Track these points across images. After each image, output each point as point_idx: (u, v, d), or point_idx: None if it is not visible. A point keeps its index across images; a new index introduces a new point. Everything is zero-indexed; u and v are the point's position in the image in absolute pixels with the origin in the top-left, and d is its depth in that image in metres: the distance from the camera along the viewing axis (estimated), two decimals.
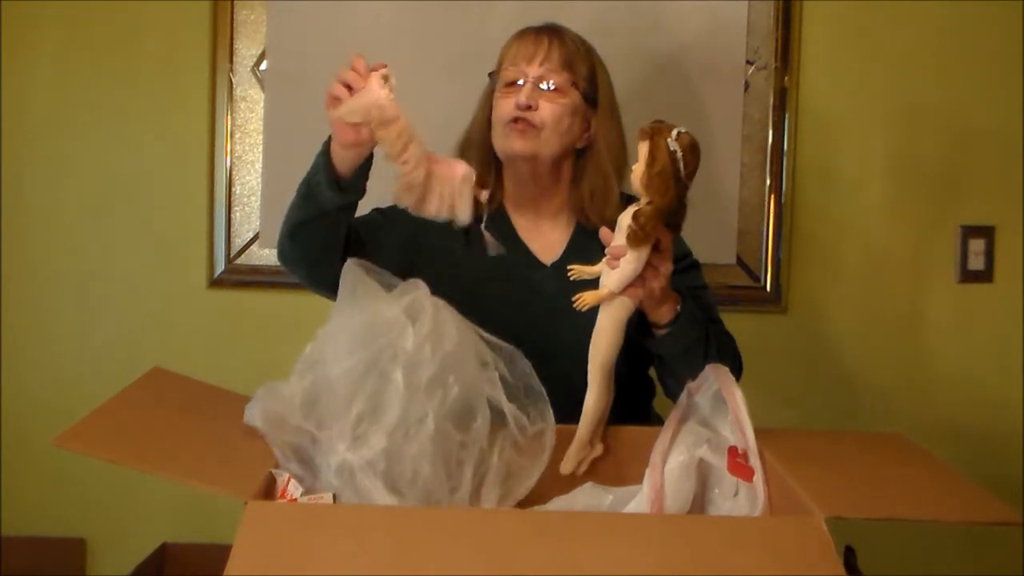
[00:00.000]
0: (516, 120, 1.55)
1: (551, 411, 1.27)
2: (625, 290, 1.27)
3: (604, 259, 1.30)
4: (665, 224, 1.26)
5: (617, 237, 1.28)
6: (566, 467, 1.30)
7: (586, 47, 1.62)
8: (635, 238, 1.23)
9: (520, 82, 1.56)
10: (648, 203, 1.23)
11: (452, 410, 1.16)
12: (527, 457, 1.24)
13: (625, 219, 1.26)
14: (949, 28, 2.28)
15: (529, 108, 1.54)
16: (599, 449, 1.32)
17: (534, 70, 1.56)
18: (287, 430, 1.18)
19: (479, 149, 1.63)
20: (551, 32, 1.60)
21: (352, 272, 1.24)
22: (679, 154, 1.22)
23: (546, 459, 1.25)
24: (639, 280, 1.28)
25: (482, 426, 1.19)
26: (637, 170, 1.24)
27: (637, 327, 1.41)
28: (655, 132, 1.23)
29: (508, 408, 1.21)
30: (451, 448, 1.17)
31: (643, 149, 1.24)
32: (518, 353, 1.25)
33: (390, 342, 1.15)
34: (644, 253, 1.25)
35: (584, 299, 1.27)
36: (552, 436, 1.26)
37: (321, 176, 1.43)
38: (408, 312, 1.18)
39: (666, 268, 1.30)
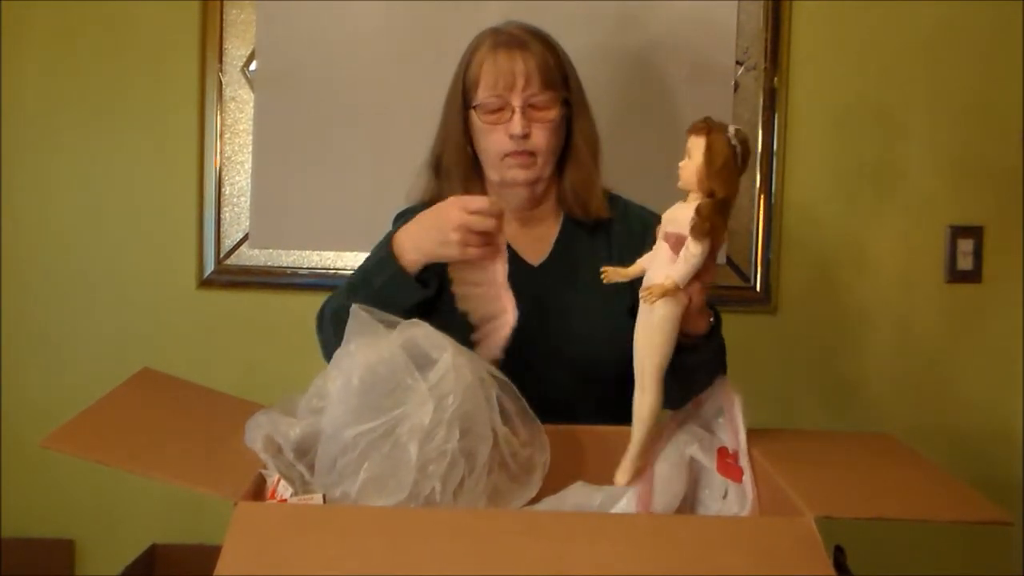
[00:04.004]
0: (515, 153, 1.54)
1: (546, 437, 1.25)
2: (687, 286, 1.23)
3: (641, 260, 1.26)
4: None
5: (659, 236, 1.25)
6: (621, 479, 1.26)
7: (552, 48, 1.59)
8: (700, 230, 1.19)
9: (505, 110, 1.53)
10: (709, 196, 1.20)
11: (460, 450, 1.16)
12: (516, 482, 1.22)
13: (679, 212, 1.22)
14: (937, 29, 2.28)
15: (525, 137, 1.53)
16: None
17: (517, 97, 1.53)
18: (283, 462, 1.18)
19: (459, 171, 1.61)
20: (520, 47, 1.55)
21: (357, 316, 1.23)
22: (738, 148, 1.20)
23: (536, 485, 1.23)
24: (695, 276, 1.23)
25: (482, 468, 1.18)
26: (689, 166, 1.21)
27: None
28: (711, 128, 1.20)
29: (501, 431, 1.20)
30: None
31: (697, 144, 1.20)
32: (511, 385, 1.23)
33: (406, 414, 1.13)
34: (707, 246, 1.21)
35: (652, 292, 1.21)
36: (546, 464, 1.24)
37: (396, 281, 1.39)
38: (418, 363, 1.17)
39: (715, 269, 1.26)
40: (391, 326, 1.22)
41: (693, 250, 1.21)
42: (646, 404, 1.25)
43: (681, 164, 1.22)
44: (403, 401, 1.14)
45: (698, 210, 1.19)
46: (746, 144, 1.21)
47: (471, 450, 1.16)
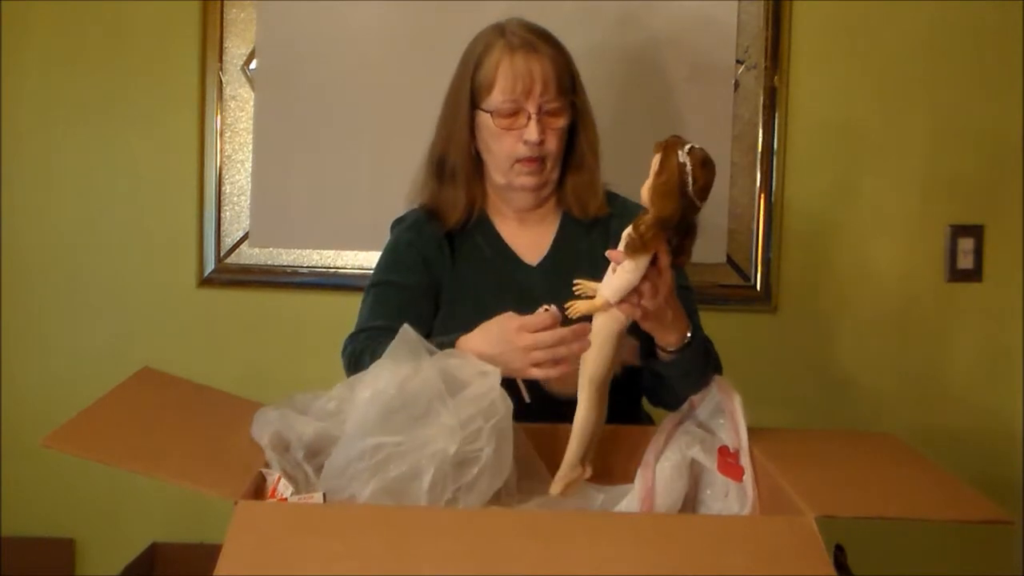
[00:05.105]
0: (527, 159, 1.54)
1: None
2: (620, 303, 1.22)
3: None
4: (668, 239, 1.21)
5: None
6: (555, 489, 1.25)
7: (561, 50, 1.58)
8: (632, 246, 1.19)
9: (519, 115, 1.53)
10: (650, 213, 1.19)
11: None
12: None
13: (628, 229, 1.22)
14: (938, 27, 2.28)
15: (540, 144, 1.53)
16: (588, 472, 1.27)
17: (533, 102, 1.52)
18: (289, 460, 1.18)
19: (464, 173, 1.61)
20: (535, 50, 1.54)
21: (405, 337, 1.22)
22: (688, 167, 1.17)
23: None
24: (635, 295, 1.22)
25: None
26: (646, 183, 1.20)
27: (641, 344, 1.40)
28: (668, 145, 1.19)
29: (512, 477, 1.21)
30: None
31: (654, 161, 1.19)
32: (521, 433, 1.24)
33: (431, 438, 1.13)
34: (642, 264, 1.20)
35: (576, 307, 1.23)
36: None
37: None
38: (453, 389, 1.17)
39: (664, 288, 1.24)
40: (433, 353, 1.22)
41: (625, 266, 1.20)
42: (581, 418, 1.26)
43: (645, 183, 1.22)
44: (430, 425, 1.14)
45: (634, 225, 1.19)
46: (701, 164, 1.18)
47: (497, 467, 1.16)
